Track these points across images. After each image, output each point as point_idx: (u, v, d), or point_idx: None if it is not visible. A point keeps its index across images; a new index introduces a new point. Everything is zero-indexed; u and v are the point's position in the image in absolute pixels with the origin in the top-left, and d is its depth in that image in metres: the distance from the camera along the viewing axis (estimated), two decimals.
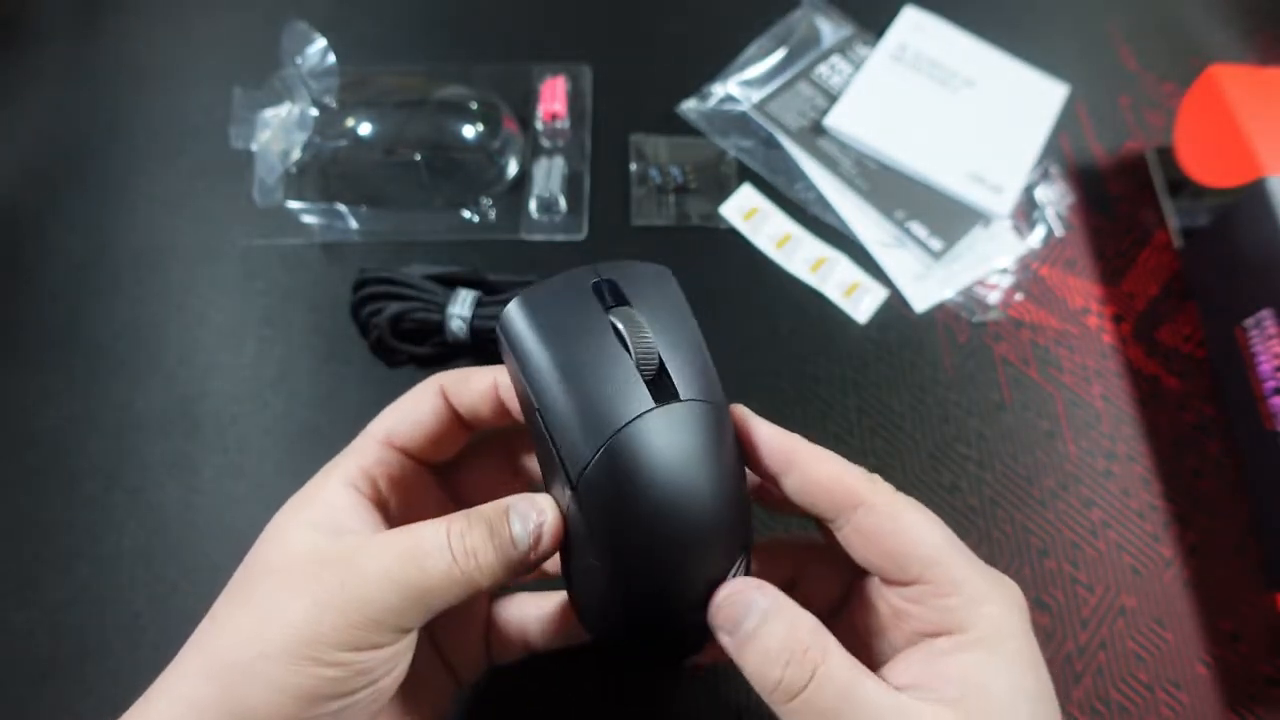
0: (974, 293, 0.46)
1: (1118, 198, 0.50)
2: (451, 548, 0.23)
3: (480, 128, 0.46)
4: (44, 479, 0.39)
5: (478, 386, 0.28)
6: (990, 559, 0.39)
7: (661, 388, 0.22)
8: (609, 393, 0.22)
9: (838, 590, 0.28)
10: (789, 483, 0.25)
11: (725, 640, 0.23)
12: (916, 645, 0.24)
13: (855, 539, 0.25)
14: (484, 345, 0.41)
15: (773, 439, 0.25)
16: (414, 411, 0.28)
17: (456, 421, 0.28)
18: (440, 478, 0.30)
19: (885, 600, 0.25)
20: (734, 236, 0.47)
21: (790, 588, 0.24)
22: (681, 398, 0.22)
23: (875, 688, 0.21)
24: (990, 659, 0.22)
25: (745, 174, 0.49)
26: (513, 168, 0.47)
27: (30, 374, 0.42)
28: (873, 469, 0.26)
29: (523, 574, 0.24)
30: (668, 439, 0.22)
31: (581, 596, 0.25)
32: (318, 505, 0.25)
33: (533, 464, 0.31)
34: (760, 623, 0.23)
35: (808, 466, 0.25)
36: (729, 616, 0.23)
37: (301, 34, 0.43)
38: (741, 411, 0.26)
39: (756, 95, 0.51)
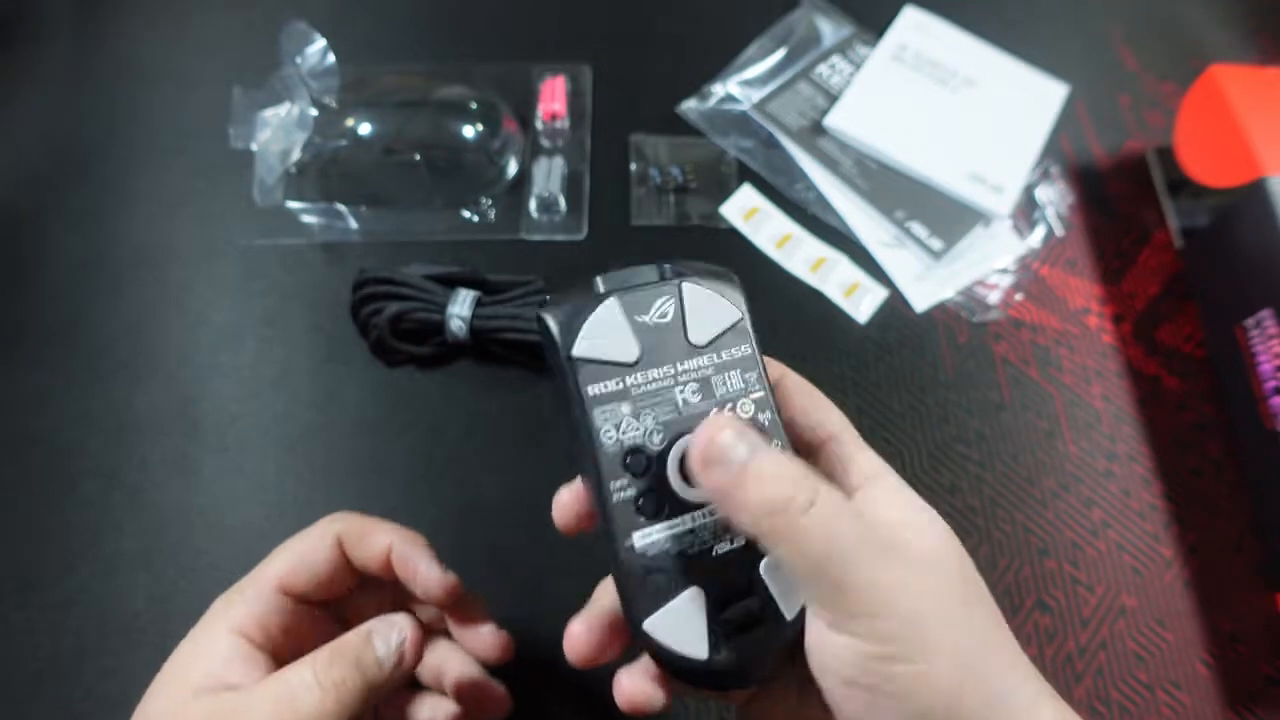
0: (974, 293, 0.46)
1: (1118, 198, 0.49)
2: (320, 683, 0.24)
3: (480, 127, 0.46)
4: (44, 479, 0.39)
5: (375, 548, 0.29)
6: (990, 559, 0.39)
7: None
8: None
9: None
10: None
11: (717, 476, 0.22)
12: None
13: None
14: (483, 345, 0.41)
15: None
16: (309, 559, 0.29)
17: (349, 570, 0.30)
18: (330, 610, 0.31)
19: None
20: (734, 236, 0.47)
21: None
22: None
23: (862, 526, 0.22)
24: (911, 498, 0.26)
25: (745, 174, 0.49)
26: (513, 168, 0.47)
27: (30, 374, 0.42)
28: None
29: (396, 688, 0.27)
30: None
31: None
32: (203, 661, 0.26)
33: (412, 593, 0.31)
34: (753, 451, 0.22)
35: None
36: (719, 449, 0.22)
37: (301, 34, 0.43)
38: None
39: (756, 95, 0.51)
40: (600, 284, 0.25)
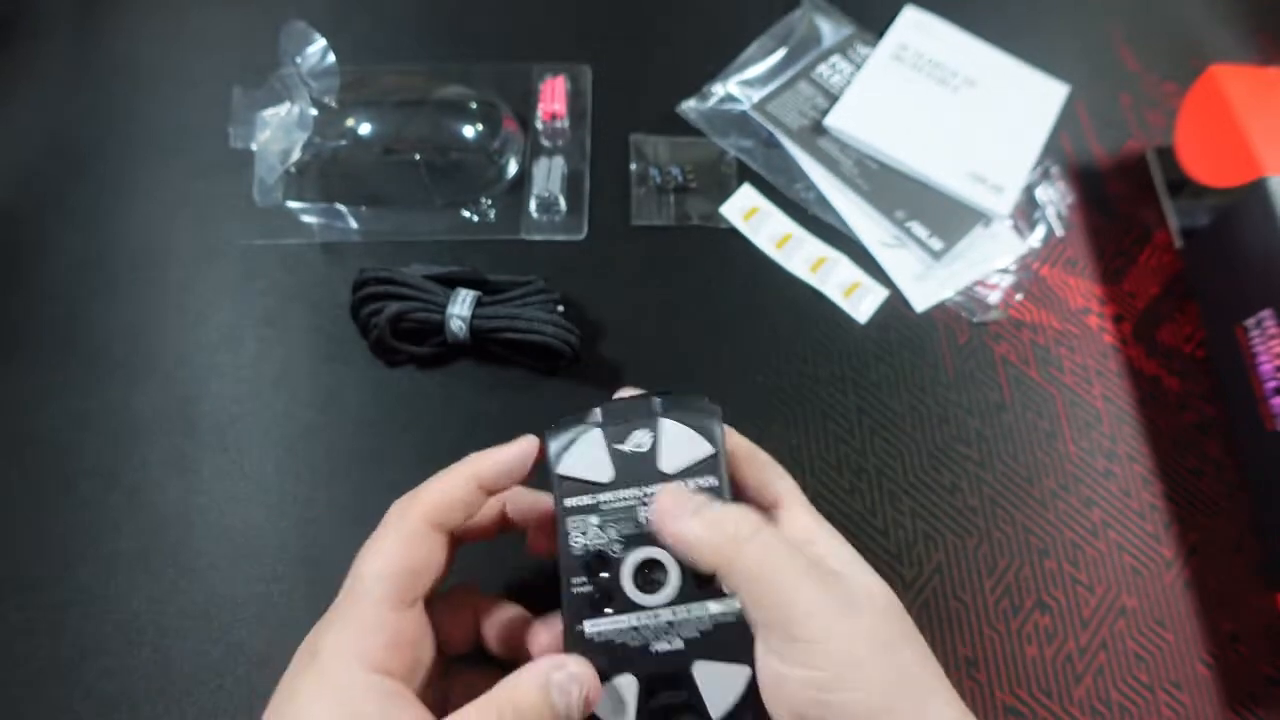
0: (974, 293, 0.46)
1: (1118, 197, 0.49)
2: None
3: (480, 127, 0.46)
4: (43, 479, 0.39)
5: (491, 511, 0.30)
6: (990, 559, 0.39)
7: None
8: None
9: None
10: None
11: (672, 525, 0.26)
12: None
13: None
14: (483, 345, 0.41)
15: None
16: (420, 554, 0.27)
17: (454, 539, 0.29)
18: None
19: None
20: (734, 236, 0.47)
21: None
22: None
23: (802, 558, 0.25)
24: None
25: (745, 174, 0.49)
26: (512, 167, 0.47)
27: (29, 374, 0.41)
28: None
29: None
30: None
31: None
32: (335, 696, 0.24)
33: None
34: (707, 503, 0.27)
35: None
36: (677, 504, 0.27)
37: (301, 33, 0.43)
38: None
39: (757, 95, 0.51)
40: (597, 414, 0.29)
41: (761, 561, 0.25)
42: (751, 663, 0.26)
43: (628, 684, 0.27)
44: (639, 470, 0.28)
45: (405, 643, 0.26)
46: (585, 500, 0.28)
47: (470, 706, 0.24)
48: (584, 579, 0.27)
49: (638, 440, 0.29)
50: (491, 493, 0.29)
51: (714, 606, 0.27)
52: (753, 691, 0.26)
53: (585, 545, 0.28)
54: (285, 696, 0.25)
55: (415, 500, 0.28)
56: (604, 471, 0.28)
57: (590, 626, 0.27)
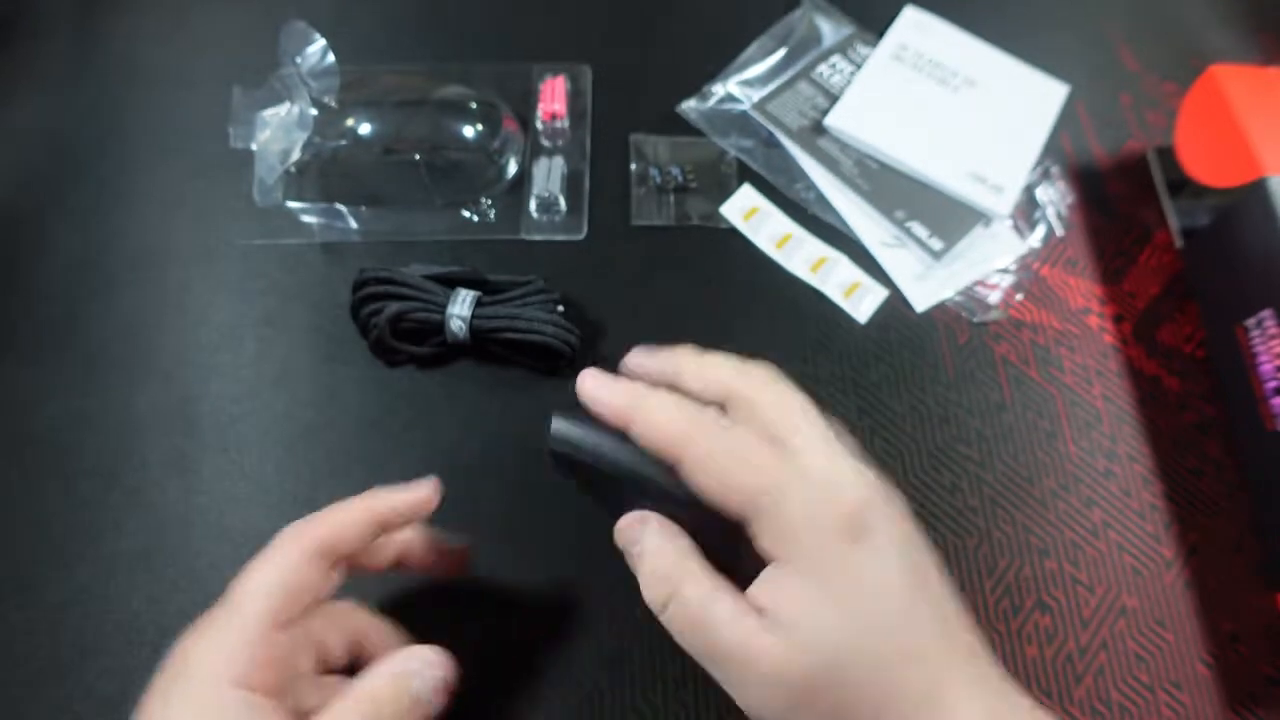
0: (974, 293, 0.46)
1: (1118, 197, 0.49)
2: None
3: (480, 127, 0.46)
4: (43, 479, 0.39)
5: (388, 553, 0.30)
6: (990, 559, 0.39)
7: None
8: None
9: None
10: (635, 440, 0.27)
11: (629, 558, 0.28)
12: (769, 567, 0.25)
13: (693, 479, 0.26)
14: (483, 345, 0.41)
15: (610, 404, 0.28)
16: (302, 585, 0.27)
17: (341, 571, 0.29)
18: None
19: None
20: (734, 236, 0.47)
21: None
22: None
23: (726, 614, 0.24)
24: (807, 583, 0.24)
25: (745, 174, 0.49)
26: (512, 167, 0.47)
27: (29, 373, 0.41)
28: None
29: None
30: None
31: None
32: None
33: None
34: (643, 548, 0.27)
35: (645, 419, 0.27)
36: (627, 538, 0.28)
37: (300, 33, 0.43)
38: (584, 389, 0.29)
39: (757, 95, 0.51)
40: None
41: (684, 627, 0.25)
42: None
43: None
44: None
45: (277, 660, 0.26)
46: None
47: (327, 712, 0.24)
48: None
49: None
50: (386, 530, 0.30)
51: None
52: None
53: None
54: (156, 704, 0.25)
55: (307, 526, 0.28)
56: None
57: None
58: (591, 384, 0.28)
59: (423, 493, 0.30)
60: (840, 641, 0.23)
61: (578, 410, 0.29)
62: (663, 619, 0.26)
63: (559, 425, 0.29)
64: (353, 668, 0.29)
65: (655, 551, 0.26)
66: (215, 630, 0.26)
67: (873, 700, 0.23)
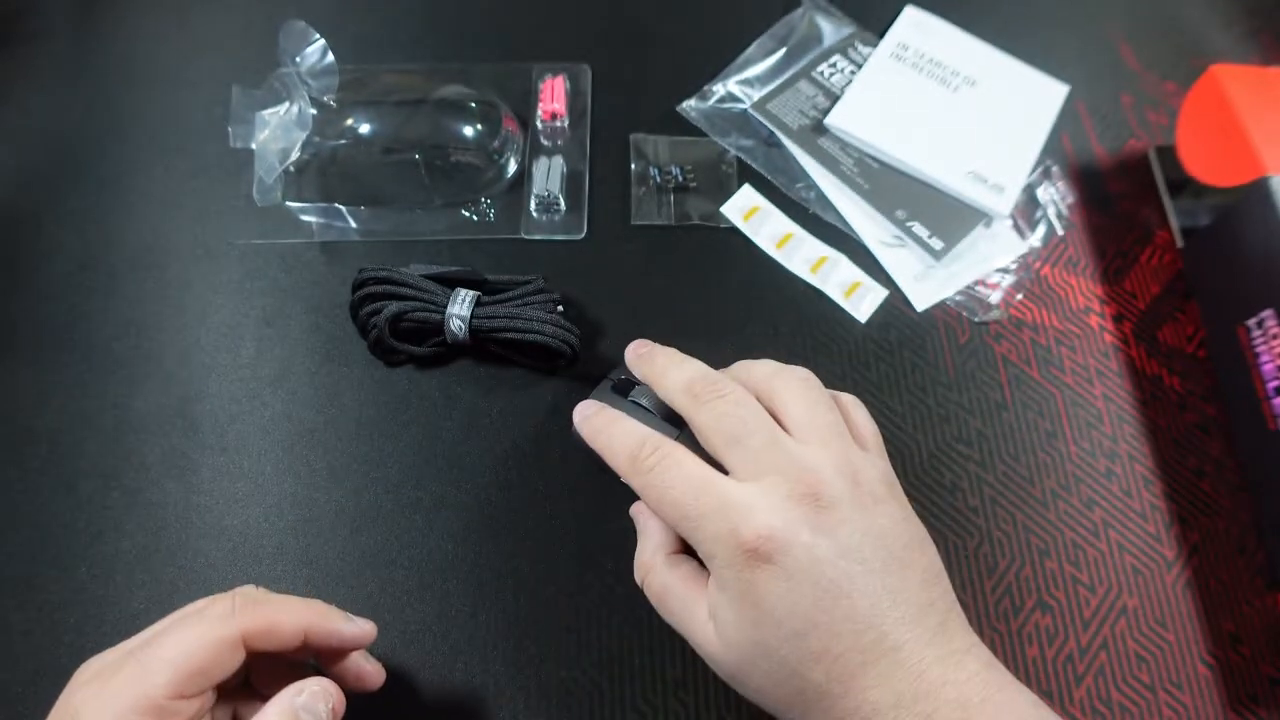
0: (975, 292, 0.46)
1: (1119, 197, 0.49)
2: None
3: (479, 127, 0.46)
4: (42, 479, 0.39)
5: (285, 637, 0.28)
6: (991, 559, 0.39)
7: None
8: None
9: None
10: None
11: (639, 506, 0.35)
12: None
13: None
14: (483, 345, 0.41)
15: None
16: (204, 667, 0.27)
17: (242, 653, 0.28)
18: None
19: None
20: (734, 236, 0.47)
21: None
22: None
23: (678, 604, 0.30)
24: (723, 600, 0.29)
25: (746, 173, 0.48)
26: (512, 167, 0.47)
27: (28, 373, 0.41)
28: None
29: None
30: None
31: None
32: None
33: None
34: (639, 534, 0.34)
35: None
36: (636, 521, 0.35)
37: (300, 33, 0.43)
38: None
39: (757, 94, 0.51)
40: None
41: (657, 595, 0.31)
42: None
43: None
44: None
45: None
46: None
47: None
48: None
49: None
50: (312, 647, 0.29)
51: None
52: None
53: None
54: None
55: (243, 615, 0.28)
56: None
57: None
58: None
59: (367, 630, 0.30)
60: (749, 644, 0.28)
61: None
62: (648, 579, 0.32)
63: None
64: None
65: (641, 540, 0.33)
66: (118, 688, 0.25)
67: (787, 688, 0.27)
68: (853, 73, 0.51)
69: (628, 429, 0.32)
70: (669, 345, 0.35)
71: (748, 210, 0.47)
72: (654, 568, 0.31)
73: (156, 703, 0.25)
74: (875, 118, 0.49)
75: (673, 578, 0.31)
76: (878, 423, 0.42)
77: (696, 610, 0.29)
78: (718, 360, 0.35)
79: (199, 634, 0.26)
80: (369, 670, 0.31)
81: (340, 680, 0.29)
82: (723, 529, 0.28)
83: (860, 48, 0.53)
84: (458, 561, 0.38)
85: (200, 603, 0.28)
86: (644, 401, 0.34)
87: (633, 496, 0.32)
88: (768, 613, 0.27)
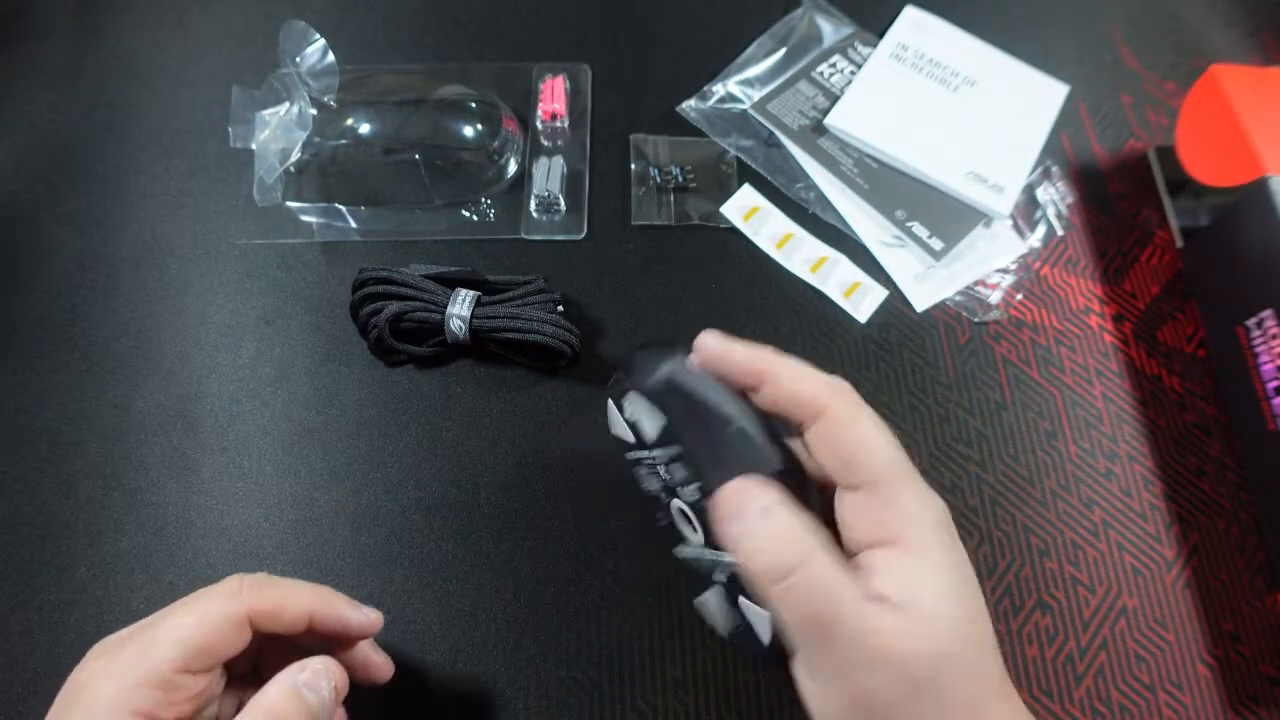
0: (975, 292, 0.46)
1: (1119, 197, 0.49)
2: None
3: (479, 127, 0.46)
4: (42, 479, 0.39)
5: (290, 619, 0.28)
6: (990, 559, 0.39)
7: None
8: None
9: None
10: (762, 397, 0.28)
11: (727, 527, 0.26)
12: (861, 555, 0.25)
13: (816, 443, 0.27)
14: (483, 345, 0.41)
15: (744, 361, 0.28)
16: (211, 643, 0.27)
17: (250, 632, 0.28)
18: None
19: (838, 514, 0.27)
20: (734, 236, 0.47)
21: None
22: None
23: (851, 593, 0.24)
24: (922, 566, 0.24)
25: (745, 173, 0.48)
26: (512, 167, 0.47)
27: (28, 373, 0.41)
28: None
29: None
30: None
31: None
32: None
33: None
34: (762, 513, 0.25)
35: (776, 381, 0.27)
36: (734, 504, 0.26)
37: (300, 33, 0.43)
38: (710, 345, 0.29)
39: (757, 94, 0.51)
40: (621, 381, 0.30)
41: (804, 600, 0.24)
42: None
43: (715, 594, 0.28)
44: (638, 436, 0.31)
45: (187, 698, 0.26)
46: (633, 455, 0.31)
47: None
48: (661, 514, 0.30)
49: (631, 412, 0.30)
50: (317, 631, 0.29)
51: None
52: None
53: (646, 489, 0.31)
54: None
55: (250, 594, 0.28)
56: (627, 434, 0.31)
57: (680, 551, 0.30)
58: (718, 342, 0.29)
59: (374, 619, 0.30)
60: (954, 624, 0.24)
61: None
62: (775, 588, 0.25)
63: (672, 367, 0.29)
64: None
65: (784, 522, 0.25)
66: (125, 663, 0.26)
67: (969, 689, 0.24)
68: (853, 73, 0.51)
69: (804, 367, 0.28)
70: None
71: (748, 210, 0.47)
72: (818, 551, 0.25)
73: (164, 676, 0.25)
74: (875, 118, 0.49)
75: (843, 564, 0.25)
76: None
77: (870, 602, 0.24)
78: None
79: (206, 610, 0.27)
80: (377, 661, 0.31)
81: (349, 670, 0.29)
82: (923, 495, 0.26)
83: (860, 48, 0.53)
84: (457, 561, 0.38)
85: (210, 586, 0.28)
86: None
87: (628, 498, 0.32)
88: (971, 586, 0.25)
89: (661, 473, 0.30)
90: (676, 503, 0.29)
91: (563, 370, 0.42)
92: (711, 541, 0.28)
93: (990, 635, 0.25)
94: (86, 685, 0.26)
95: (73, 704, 0.25)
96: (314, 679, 0.26)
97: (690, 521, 0.29)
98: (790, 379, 0.27)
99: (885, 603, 0.24)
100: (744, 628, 0.27)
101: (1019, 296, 0.46)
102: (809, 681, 0.25)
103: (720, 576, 0.28)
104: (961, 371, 0.44)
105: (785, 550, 0.25)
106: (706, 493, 0.28)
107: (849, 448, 0.26)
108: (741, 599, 0.27)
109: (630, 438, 0.30)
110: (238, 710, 0.26)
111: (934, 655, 0.23)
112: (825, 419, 0.26)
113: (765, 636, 0.27)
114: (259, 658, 0.30)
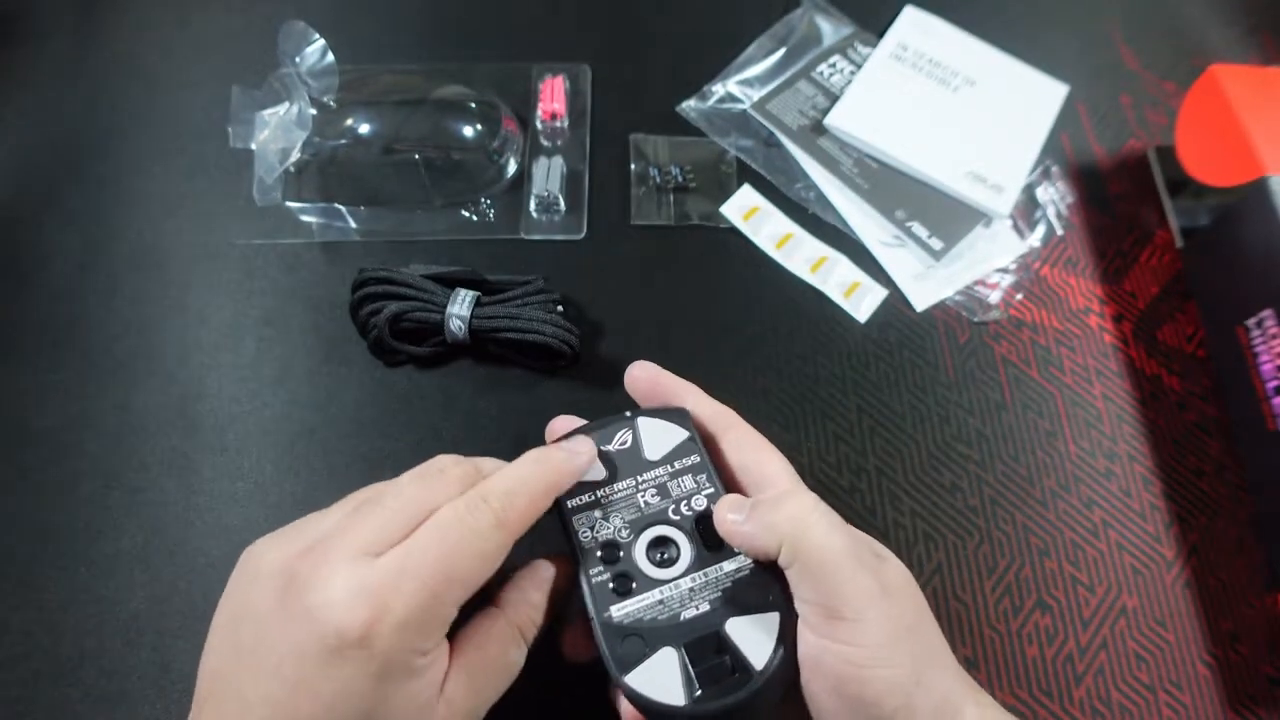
0: (975, 292, 0.46)
1: (1119, 197, 0.49)
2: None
3: (479, 127, 0.46)
4: (43, 479, 0.39)
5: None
6: (990, 559, 0.39)
7: None
8: None
9: None
10: (691, 404, 0.33)
11: (733, 519, 0.28)
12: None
13: (731, 455, 0.32)
14: (483, 345, 0.41)
15: (670, 384, 0.33)
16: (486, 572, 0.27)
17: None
18: None
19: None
20: (734, 236, 0.47)
21: None
22: None
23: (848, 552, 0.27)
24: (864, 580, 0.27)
25: (745, 173, 0.48)
26: (512, 167, 0.47)
27: (29, 374, 0.41)
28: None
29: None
30: None
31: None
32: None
33: None
34: (762, 501, 0.28)
35: (697, 399, 0.33)
36: (738, 501, 0.29)
37: (300, 33, 0.43)
38: (640, 374, 0.33)
39: (757, 94, 0.51)
40: (583, 429, 0.32)
41: (821, 548, 0.26)
42: (778, 607, 0.28)
43: (668, 656, 0.27)
44: (628, 463, 0.31)
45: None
46: (586, 499, 0.30)
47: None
48: (601, 569, 0.29)
49: (621, 439, 0.31)
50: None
51: (728, 565, 0.29)
52: (786, 633, 0.27)
53: (594, 538, 0.29)
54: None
55: (560, 468, 0.29)
56: (598, 471, 0.31)
57: (617, 611, 0.28)
58: (645, 370, 0.33)
59: (589, 446, 0.31)
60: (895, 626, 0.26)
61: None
62: (810, 533, 0.27)
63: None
64: None
65: (788, 496, 0.29)
66: (412, 615, 0.25)
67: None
68: (852, 73, 0.51)
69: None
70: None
71: (747, 210, 0.47)
72: (811, 514, 0.28)
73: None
74: (875, 118, 0.49)
75: (833, 521, 0.29)
76: (878, 422, 0.42)
77: (857, 561, 0.27)
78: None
79: (474, 551, 0.26)
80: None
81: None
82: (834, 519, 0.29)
83: (860, 48, 0.53)
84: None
85: (453, 511, 0.27)
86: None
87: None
88: (899, 595, 0.27)
89: (640, 501, 0.30)
90: (651, 532, 0.29)
91: (562, 370, 0.42)
92: (704, 557, 0.29)
93: (927, 648, 0.27)
94: (375, 636, 0.24)
95: (353, 654, 0.24)
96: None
97: (672, 548, 0.29)
98: (699, 398, 0.32)
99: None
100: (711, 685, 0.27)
101: (1019, 296, 0.46)
102: (816, 639, 0.26)
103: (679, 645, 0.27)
104: (961, 371, 0.44)
105: (797, 513, 0.27)
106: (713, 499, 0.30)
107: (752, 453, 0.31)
108: (731, 622, 0.27)
109: (598, 474, 0.30)
110: None
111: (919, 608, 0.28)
112: (732, 431, 0.31)
113: (762, 657, 0.27)
114: None
